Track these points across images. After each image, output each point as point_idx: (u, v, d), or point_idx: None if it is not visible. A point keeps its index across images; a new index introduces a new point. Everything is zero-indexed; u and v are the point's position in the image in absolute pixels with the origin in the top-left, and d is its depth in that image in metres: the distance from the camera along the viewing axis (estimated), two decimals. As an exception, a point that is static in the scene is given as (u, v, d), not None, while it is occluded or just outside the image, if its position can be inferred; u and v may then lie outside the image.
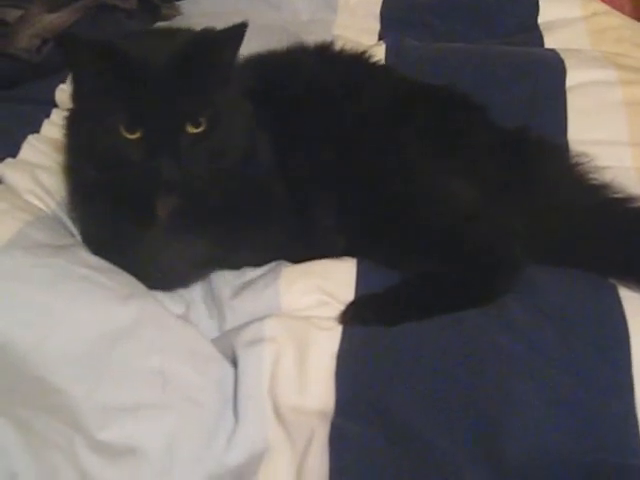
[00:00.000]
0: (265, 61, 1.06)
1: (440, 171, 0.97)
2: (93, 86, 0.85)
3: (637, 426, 0.75)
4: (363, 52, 1.12)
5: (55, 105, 1.25)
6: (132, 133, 0.82)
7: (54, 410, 0.74)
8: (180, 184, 0.84)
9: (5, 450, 0.67)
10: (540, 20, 1.53)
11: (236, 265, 0.97)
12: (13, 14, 1.35)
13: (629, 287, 0.90)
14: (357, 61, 1.10)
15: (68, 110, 0.92)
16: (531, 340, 0.83)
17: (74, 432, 0.72)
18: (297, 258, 0.97)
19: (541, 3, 1.55)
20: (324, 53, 1.09)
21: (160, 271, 0.92)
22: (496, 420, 0.75)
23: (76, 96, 0.90)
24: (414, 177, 0.97)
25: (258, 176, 0.95)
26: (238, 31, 0.85)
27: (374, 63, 1.12)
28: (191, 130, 0.84)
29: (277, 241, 0.97)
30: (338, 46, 1.12)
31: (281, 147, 0.96)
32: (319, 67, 1.06)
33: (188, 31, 0.92)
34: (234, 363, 0.82)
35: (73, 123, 0.91)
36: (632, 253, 0.93)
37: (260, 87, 0.96)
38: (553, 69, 1.28)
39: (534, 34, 1.48)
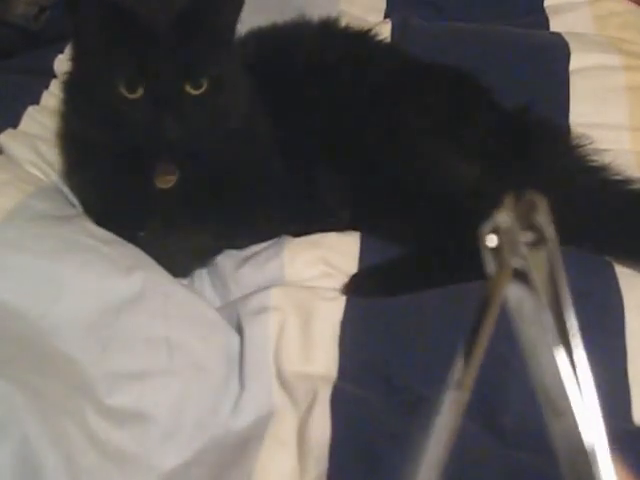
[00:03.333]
0: (267, 35, 1.11)
1: (442, 148, 1.03)
2: (93, 43, 0.88)
3: (629, 392, 0.82)
4: (368, 30, 1.17)
5: (54, 76, 1.29)
6: (133, 92, 0.86)
7: (63, 376, 0.78)
8: (181, 143, 0.88)
9: (17, 416, 0.71)
10: (546, 3, 1.58)
11: (239, 245, 1.01)
12: (8, -19, 1.40)
13: (625, 265, 0.97)
14: (362, 38, 1.15)
15: (66, 74, 0.96)
16: None
17: (83, 397, 0.77)
18: (300, 233, 1.02)
19: (547, -14, 1.61)
20: (328, 29, 1.14)
21: (160, 262, 0.95)
22: (496, 386, 0.81)
23: (76, 57, 0.93)
24: (415, 153, 1.02)
25: (258, 152, 1.00)
26: None
27: (379, 41, 1.17)
28: (192, 91, 0.88)
29: (279, 218, 1.02)
30: (343, 22, 1.17)
31: (283, 122, 1.01)
32: (322, 42, 1.11)
33: None
34: (239, 331, 0.88)
35: (72, 86, 0.95)
36: (629, 233, 1.00)
37: (262, 61, 1.01)
38: (557, 52, 1.34)
39: (540, 17, 1.53)
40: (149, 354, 0.84)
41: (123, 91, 0.86)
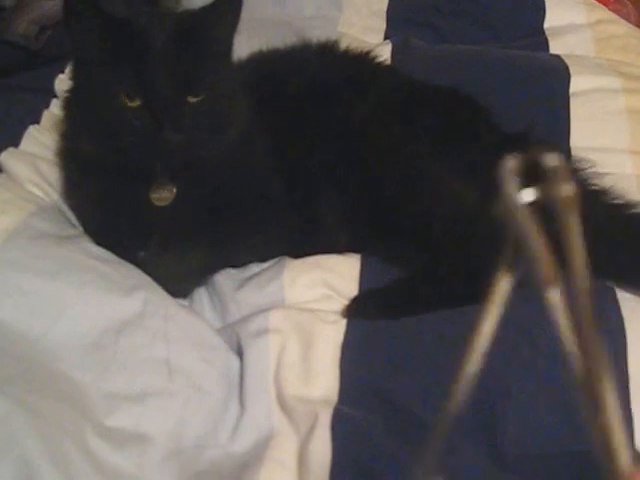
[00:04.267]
0: (268, 58, 1.14)
1: (441, 171, 1.04)
2: (93, 58, 0.91)
3: (631, 418, 0.83)
4: (368, 52, 1.19)
5: (54, 95, 1.30)
6: (133, 101, 0.89)
7: (63, 397, 0.79)
8: (179, 149, 0.91)
9: (17, 436, 0.72)
10: (546, 25, 1.60)
11: (238, 264, 1.03)
12: (9, 0, 1.41)
13: (627, 290, 0.98)
14: (362, 60, 1.17)
15: (67, 91, 0.98)
16: (531, 334, 0.90)
17: (83, 418, 0.78)
18: (299, 254, 1.03)
19: (547, 8, 1.63)
20: (328, 51, 1.16)
21: (159, 281, 0.97)
22: (496, 411, 0.82)
23: (76, 71, 0.96)
24: (415, 175, 1.04)
25: (258, 172, 1.02)
26: (233, 2, 0.94)
27: (379, 63, 1.20)
28: (191, 99, 0.91)
29: (278, 239, 1.04)
30: (343, 44, 1.19)
31: (284, 144, 1.03)
32: (323, 65, 1.13)
33: (187, 11, 1.01)
34: (239, 353, 0.89)
35: (72, 103, 0.97)
36: (630, 257, 1.01)
37: (263, 83, 1.03)
38: (557, 75, 1.36)
39: (539, 39, 1.55)
40: (149, 375, 0.85)
41: (123, 100, 0.89)
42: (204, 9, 0.95)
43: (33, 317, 0.86)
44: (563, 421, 0.82)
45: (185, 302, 0.99)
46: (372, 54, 1.19)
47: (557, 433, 0.82)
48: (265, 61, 1.13)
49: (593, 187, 1.10)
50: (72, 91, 0.97)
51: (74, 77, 0.97)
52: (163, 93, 0.89)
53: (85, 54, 0.93)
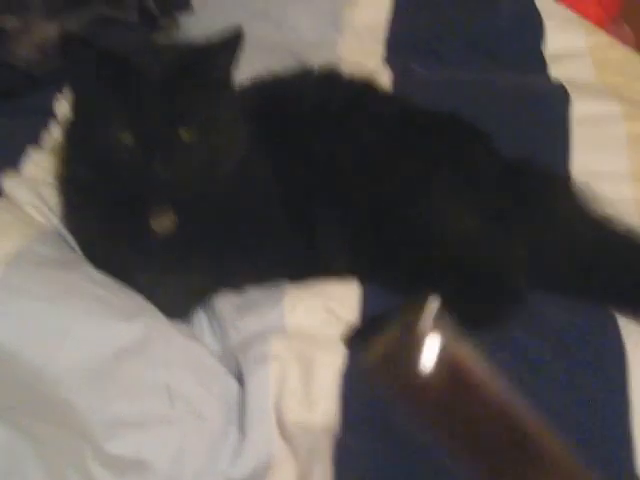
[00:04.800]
0: (269, 84, 1.14)
1: (441, 198, 1.04)
2: (90, 90, 0.92)
3: (632, 449, 0.83)
4: (369, 78, 1.19)
5: (54, 117, 1.31)
6: (127, 136, 0.90)
7: (65, 424, 0.79)
8: (175, 186, 0.92)
9: (20, 465, 0.73)
10: (545, 49, 1.61)
11: (237, 288, 1.03)
12: (11, 22, 1.41)
13: (628, 317, 0.98)
14: (363, 87, 1.17)
15: (66, 120, 1.00)
16: (532, 362, 0.91)
17: (84, 445, 0.78)
18: (298, 279, 1.03)
19: (547, 33, 1.63)
20: (329, 77, 1.17)
21: (158, 305, 0.97)
22: None
23: (74, 103, 0.98)
24: (415, 203, 1.04)
25: (258, 198, 1.02)
26: (234, 38, 0.95)
27: (379, 89, 1.20)
28: (185, 134, 0.92)
29: (278, 264, 1.04)
30: (344, 70, 1.19)
31: (284, 169, 1.04)
32: (324, 91, 1.13)
33: (187, 43, 1.01)
34: (239, 379, 0.89)
35: (71, 132, 0.99)
36: (631, 283, 1.02)
37: (263, 110, 1.04)
38: (558, 100, 1.37)
39: (539, 63, 1.56)
40: (150, 402, 0.85)
41: (118, 135, 0.90)
42: (203, 44, 0.96)
43: (34, 343, 0.86)
44: None
45: (184, 327, 0.98)
46: (373, 80, 1.19)
47: None
48: (266, 87, 1.13)
49: (593, 213, 1.10)
50: (71, 120, 0.99)
51: (73, 107, 0.98)
52: (156, 129, 0.90)
53: (82, 89, 0.95)
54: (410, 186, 1.05)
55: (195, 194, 0.96)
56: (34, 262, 0.94)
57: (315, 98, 1.11)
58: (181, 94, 0.92)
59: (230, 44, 0.95)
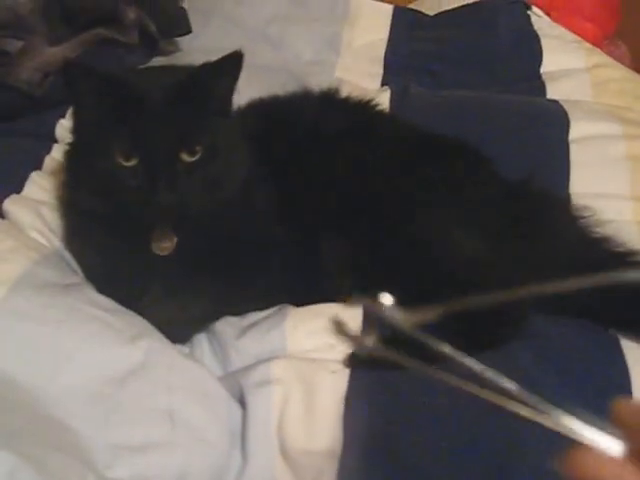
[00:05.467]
0: (268, 106, 1.15)
1: (441, 220, 1.04)
2: (92, 115, 0.93)
3: None
4: (368, 100, 1.20)
5: (55, 141, 1.32)
6: (128, 160, 0.91)
7: (66, 448, 0.79)
8: (176, 210, 0.92)
9: None
10: (543, 70, 1.62)
11: (239, 312, 1.03)
12: (14, 45, 1.42)
13: (631, 339, 0.98)
14: (362, 108, 1.18)
15: (68, 144, 1.00)
16: (535, 386, 0.89)
17: (86, 471, 0.77)
18: (301, 302, 1.03)
19: (545, 53, 1.65)
20: (328, 99, 1.17)
21: (160, 328, 0.97)
22: (502, 464, 0.82)
23: (75, 128, 0.98)
24: (416, 224, 1.04)
25: (258, 220, 1.03)
26: (233, 61, 0.95)
27: (379, 111, 1.20)
28: (187, 158, 0.92)
29: (280, 285, 1.04)
30: (343, 92, 1.19)
31: (285, 191, 1.04)
32: (323, 113, 1.14)
33: (187, 66, 1.01)
34: (241, 403, 0.89)
35: (73, 156, 1.00)
36: (632, 306, 1.01)
37: (263, 132, 1.04)
38: (557, 121, 1.37)
39: (536, 84, 1.57)
40: (151, 426, 0.84)
41: (119, 160, 0.91)
42: (203, 67, 0.96)
43: (36, 367, 0.85)
44: None
45: (185, 349, 0.98)
46: (373, 102, 1.20)
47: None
48: (265, 109, 1.14)
49: (594, 234, 1.10)
50: (72, 145, 1.00)
51: (74, 132, 0.99)
52: (158, 153, 0.91)
53: (83, 113, 0.96)
54: (410, 207, 1.05)
55: (196, 216, 0.96)
56: (36, 286, 0.94)
57: (314, 119, 1.12)
58: (182, 118, 0.92)
59: (230, 66, 0.96)
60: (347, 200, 1.05)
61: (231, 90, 0.98)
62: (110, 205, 0.94)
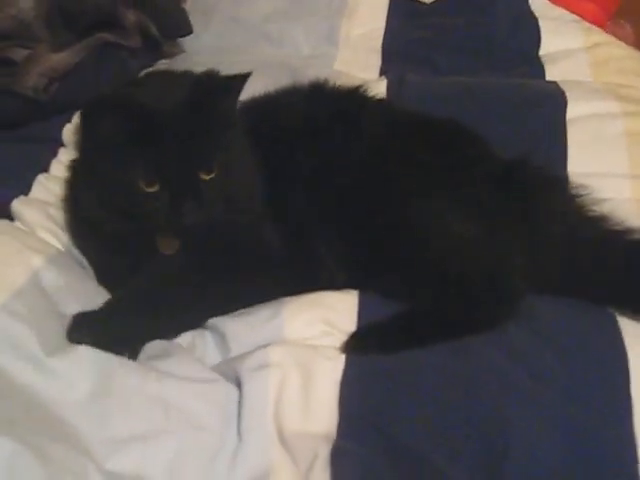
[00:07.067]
0: (258, 104, 1.15)
1: (438, 204, 1.04)
2: (107, 145, 0.93)
3: (636, 451, 0.83)
4: (358, 87, 1.19)
5: (62, 144, 1.34)
6: (151, 186, 0.92)
7: (65, 438, 0.80)
8: (201, 228, 0.94)
9: (23, 476, 0.73)
10: (541, 52, 1.61)
11: (236, 308, 1.02)
12: (20, 54, 1.43)
13: (628, 316, 0.98)
14: (352, 96, 1.18)
15: (73, 161, 1.03)
16: (531, 365, 0.91)
17: (86, 459, 0.79)
18: (297, 293, 1.03)
19: (543, 35, 1.64)
20: (317, 91, 1.17)
21: (160, 320, 0.98)
22: (496, 444, 0.82)
23: (86, 151, 1.00)
24: (413, 210, 1.04)
25: (256, 217, 1.03)
26: (242, 79, 0.97)
27: (370, 97, 1.19)
28: (205, 176, 0.94)
29: (278, 281, 1.04)
30: (335, 82, 1.19)
31: (279, 186, 1.05)
32: (312, 105, 1.14)
33: (189, 76, 1.02)
34: (238, 387, 0.89)
35: (81, 173, 1.02)
36: (630, 284, 1.01)
37: (255, 129, 1.04)
38: (553, 101, 1.37)
39: (535, 66, 1.57)
40: (144, 416, 0.85)
41: (141, 186, 0.92)
42: (211, 77, 0.98)
43: (29, 365, 0.85)
44: (565, 452, 0.82)
45: (188, 337, 0.99)
46: (362, 89, 1.19)
47: (559, 465, 0.82)
48: (255, 106, 1.14)
49: (592, 213, 1.10)
50: (79, 163, 1.02)
51: (82, 152, 1.00)
52: (179, 177, 0.92)
53: (96, 142, 0.96)
54: (404, 192, 1.05)
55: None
56: (39, 290, 0.96)
57: (303, 111, 1.12)
58: (197, 139, 0.93)
59: (239, 83, 0.97)
60: (342, 188, 1.05)
61: (235, 102, 1.00)
62: (126, 225, 0.96)
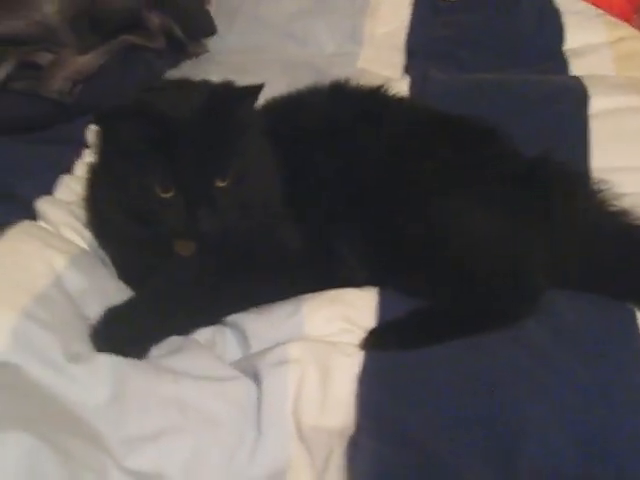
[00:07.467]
0: (280, 104, 1.16)
1: (459, 202, 1.04)
2: (125, 149, 0.95)
3: None
4: (380, 86, 1.19)
5: (86, 146, 1.35)
6: (167, 192, 0.94)
7: (85, 437, 0.81)
8: (216, 235, 0.95)
9: (42, 472, 0.74)
10: (565, 47, 1.60)
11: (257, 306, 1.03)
12: (46, 58, 1.46)
13: None
14: (374, 96, 1.18)
15: (94, 162, 1.04)
16: (549, 361, 0.91)
17: (106, 457, 0.80)
18: (318, 291, 1.04)
19: (567, 30, 1.63)
20: (339, 90, 1.17)
21: (177, 317, 0.99)
22: (512, 441, 0.82)
23: (105, 155, 1.01)
24: (435, 208, 1.04)
25: (277, 217, 1.04)
26: (256, 90, 0.98)
27: (391, 96, 1.19)
28: (220, 183, 0.95)
29: (298, 281, 1.04)
30: (357, 81, 1.19)
31: (301, 186, 1.06)
32: (334, 104, 1.14)
33: (206, 85, 1.04)
34: (257, 383, 0.90)
35: (100, 176, 1.03)
36: None
37: (276, 130, 1.05)
38: (575, 97, 1.36)
39: (559, 61, 1.56)
40: (161, 416, 0.86)
41: (157, 191, 0.93)
42: (227, 88, 1.00)
43: (53, 369, 0.87)
44: (581, 448, 0.82)
45: (208, 334, 1.00)
46: (383, 88, 1.19)
47: (575, 461, 0.81)
48: (277, 107, 1.15)
49: (613, 208, 1.09)
50: (99, 166, 1.03)
51: (101, 157, 1.01)
52: (195, 183, 0.93)
53: (116, 149, 0.97)
54: (427, 191, 1.05)
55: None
56: (61, 294, 0.97)
57: (325, 111, 1.13)
58: (213, 146, 0.94)
59: (252, 94, 0.98)
60: (363, 187, 1.06)
61: (252, 106, 1.01)
62: (143, 228, 0.97)
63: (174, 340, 0.97)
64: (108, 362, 0.89)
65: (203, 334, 1.00)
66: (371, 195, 1.05)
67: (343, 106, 1.14)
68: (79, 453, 0.78)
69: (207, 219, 0.94)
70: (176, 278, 1.01)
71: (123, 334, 0.94)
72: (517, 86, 1.41)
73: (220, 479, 0.82)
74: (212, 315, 1.01)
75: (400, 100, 1.22)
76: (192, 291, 1.00)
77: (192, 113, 0.95)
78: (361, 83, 1.19)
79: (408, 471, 0.81)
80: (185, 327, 0.99)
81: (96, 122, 0.99)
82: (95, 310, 0.97)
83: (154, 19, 1.58)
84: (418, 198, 1.05)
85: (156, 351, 0.95)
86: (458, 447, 0.82)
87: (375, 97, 1.18)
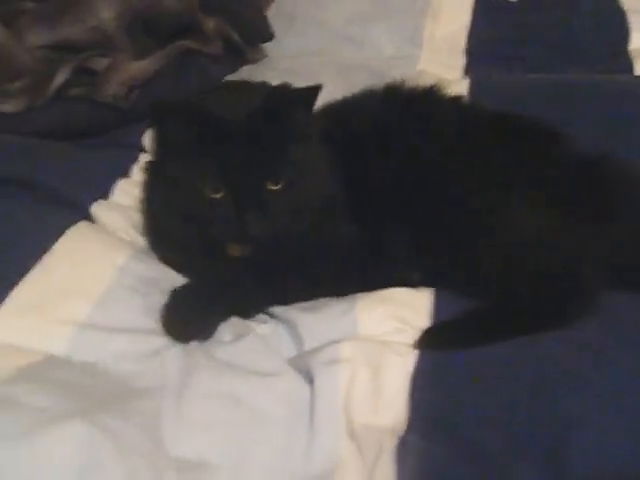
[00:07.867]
0: (335, 108, 1.15)
1: (517, 203, 1.02)
2: (177, 148, 0.96)
3: None
4: (432, 86, 1.17)
5: (143, 150, 1.37)
6: (216, 192, 0.94)
7: (139, 425, 0.82)
8: (265, 238, 0.95)
9: (99, 459, 0.75)
10: (630, 47, 1.56)
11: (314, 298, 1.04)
12: (101, 63, 1.48)
13: None
14: (426, 96, 1.16)
15: (148, 162, 1.05)
16: (604, 363, 0.88)
17: (155, 448, 0.80)
18: (371, 291, 1.03)
19: (632, 30, 1.60)
20: (393, 93, 1.16)
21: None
22: (563, 443, 0.80)
23: (158, 155, 1.01)
24: (491, 209, 1.02)
25: (331, 219, 1.04)
26: (313, 92, 0.97)
27: (444, 96, 1.17)
28: (272, 187, 0.95)
29: (351, 282, 1.04)
30: (414, 83, 1.17)
31: (355, 186, 1.05)
32: (387, 106, 1.13)
33: (264, 87, 1.04)
34: (309, 381, 0.90)
35: (154, 175, 1.04)
36: None
37: (330, 133, 1.05)
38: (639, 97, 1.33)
39: (624, 61, 1.53)
40: (215, 407, 0.87)
41: (207, 192, 0.94)
42: (283, 90, 0.99)
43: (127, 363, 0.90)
44: (636, 451, 0.79)
45: (267, 329, 1.00)
46: (435, 87, 1.17)
47: (629, 464, 0.79)
48: (332, 111, 1.14)
49: None
50: (153, 165, 1.04)
51: (155, 155, 1.02)
52: (245, 185, 0.94)
53: (167, 147, 0.98)
54: (484, 192, 1.04)
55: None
56: (120, 299, 0.99)
57: (378, 113, 1.12)
58: (266, 149, 0.94)
59: (309, 95, 0.97)
60: (418, 187, 1.04)
61: (309, 118, 1.00)
62: (193, 230, 0.98)
63: (230, 329, 0.98)
64: (174, 355, 0.91)
65: (263, 328, 1.00)
66: (425, 195, 1.04)
67: (396, 107, 1.13)
68: (131, 439, 0.79)
69: (256, 223, 0.94)
70: (227, 278, 1.01)
71: (190, 316, 0.97)
72: (582, 86, 1.38)
73: (271, 475, 0.82)
74: (273, 301, 1.02)
75: (452, 100, 1.20)
76: (243, 292, 1.01)
77: (246, 114, 0.95)
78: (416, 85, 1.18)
79: (458, 471, 0.79)
80: (247, 310, 1.01)
81: (150, 110, 0.98)
82: (161, 298, 0.98)
83: (209, 23, 1.59)
84: (472, 200, 1.03)
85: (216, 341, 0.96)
86: (508, 448, 0.80)
87: (427, 98, 1.16)
